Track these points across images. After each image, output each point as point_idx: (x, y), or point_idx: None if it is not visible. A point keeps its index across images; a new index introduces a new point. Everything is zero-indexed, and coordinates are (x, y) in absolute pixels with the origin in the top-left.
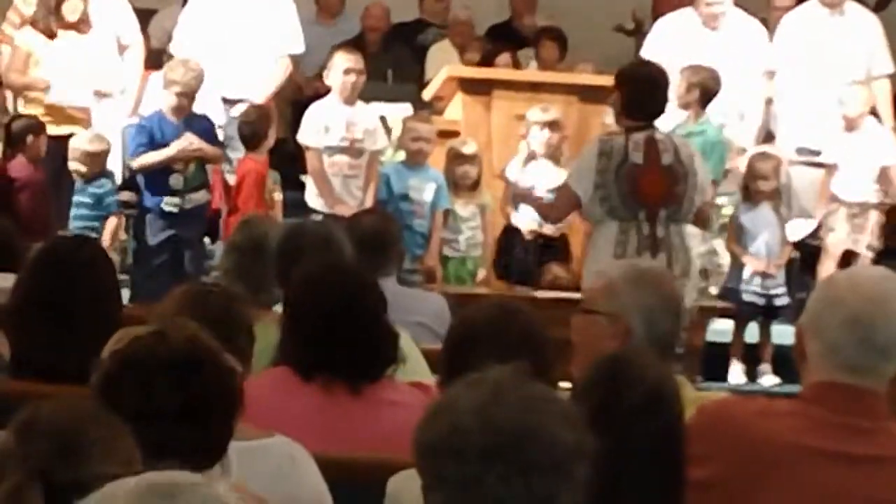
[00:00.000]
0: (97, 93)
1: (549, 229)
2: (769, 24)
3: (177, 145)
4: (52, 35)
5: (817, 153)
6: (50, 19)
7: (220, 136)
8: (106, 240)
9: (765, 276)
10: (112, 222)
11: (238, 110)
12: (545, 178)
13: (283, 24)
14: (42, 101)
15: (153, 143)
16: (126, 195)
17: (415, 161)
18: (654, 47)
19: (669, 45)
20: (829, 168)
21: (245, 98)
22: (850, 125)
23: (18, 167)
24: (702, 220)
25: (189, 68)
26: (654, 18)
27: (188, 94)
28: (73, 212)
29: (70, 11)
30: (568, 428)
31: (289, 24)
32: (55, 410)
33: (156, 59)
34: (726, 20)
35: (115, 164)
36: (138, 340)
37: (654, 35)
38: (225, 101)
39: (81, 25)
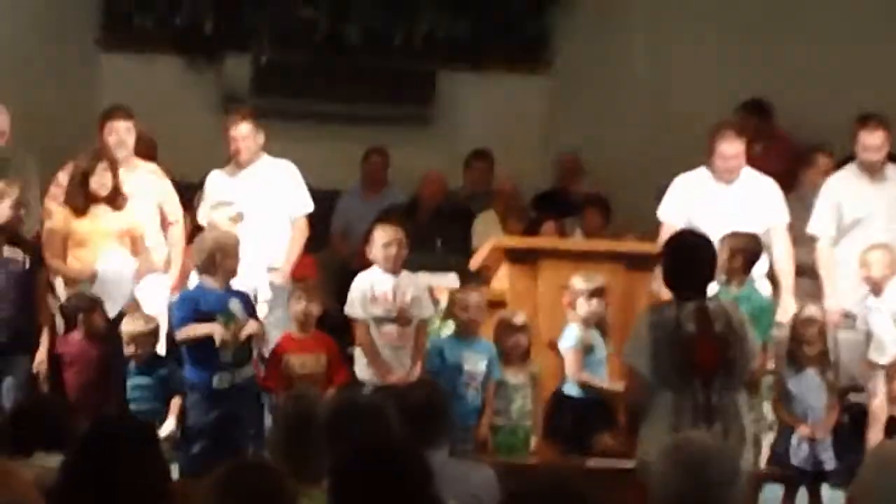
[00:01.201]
0: (139, 273)
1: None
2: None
3: (224, 332)
4: (81, 213)
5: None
6: (77, 197)
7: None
8: (172, 421)
9: (813, 440)
10: (177, 403)
11: (273, 278)
12: (597, 345)
13: (287, 188)
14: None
15: (197, 314)
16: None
17: (467, 332)
18: (670, 206)
19: (685, 202)
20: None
21: (270, 266)
22: (877, 288)
23: (70, 343)
24: (751, 385)
25: (220, 234)
26: None
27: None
28: (132, 394)
29: (98, 185)
30: None
31: (294, 186)
32: None
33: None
34: (741, 178)
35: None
36: None
37: (670, 194)
38: None
39: (116, 199)
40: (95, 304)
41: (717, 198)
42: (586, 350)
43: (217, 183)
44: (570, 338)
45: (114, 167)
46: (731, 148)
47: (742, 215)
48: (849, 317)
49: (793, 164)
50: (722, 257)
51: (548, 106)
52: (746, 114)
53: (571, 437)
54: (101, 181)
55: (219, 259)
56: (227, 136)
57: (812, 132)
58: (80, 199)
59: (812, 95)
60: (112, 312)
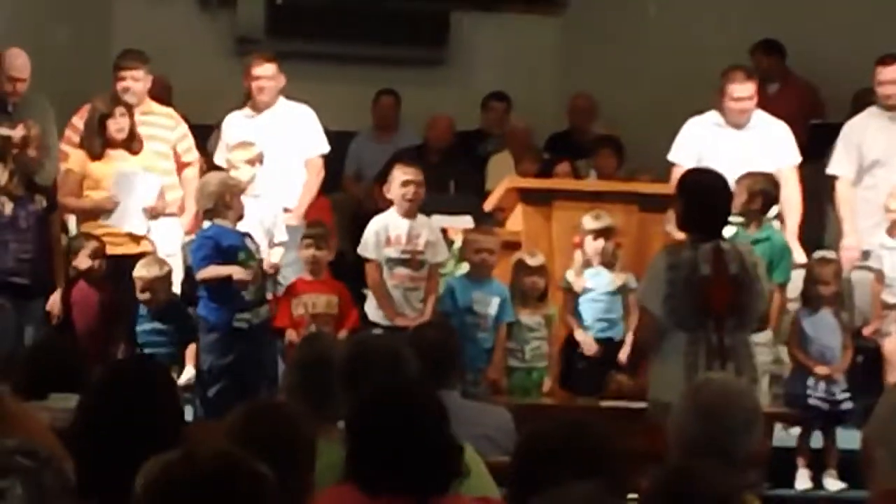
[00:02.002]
0: (153, 213)
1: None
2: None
3: (245, 272)
4: (98, 157)
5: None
6: (95, 141)
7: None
8: (190, 368)
9: (829, 381)
10: (192, 349)
11: (289, 220)
12: (601, 284)
13: (304, 130)
14: (98, 223)
15: (219, 253)
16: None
17: (479, 273)
18: (682, 148)
19: (696, 145)
20: (878, 274)
21: (285, 206)
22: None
23: (76, 286)
24: (761, 322)
25: (223, 175)
26: None
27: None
28: (146, 339)
29: (115, 130)
30: None
31: (310, 127)
32: None
33: None
34: (752, 120)
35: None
36: (168, 467)
37: (681, 137)
38: None
39: (133, 144)
40: (102, 251)
41: (729, 142)
42: (583, 291)
43: (234, 125)
44: (563, 280)
45: (130, 111)
46: (742, 90)
47: (753, 160)
48: (868, 257)
49: (807, 105)
50: (739, 199)
51: (562, 48)
52: (760, 55)
53: (585, 379)
54: (118, 125)
55: (228, 199)
56: (249, 76)
57: (824, 74)
58: (98, 143)
59: (825, 36)
60: (142, 229)
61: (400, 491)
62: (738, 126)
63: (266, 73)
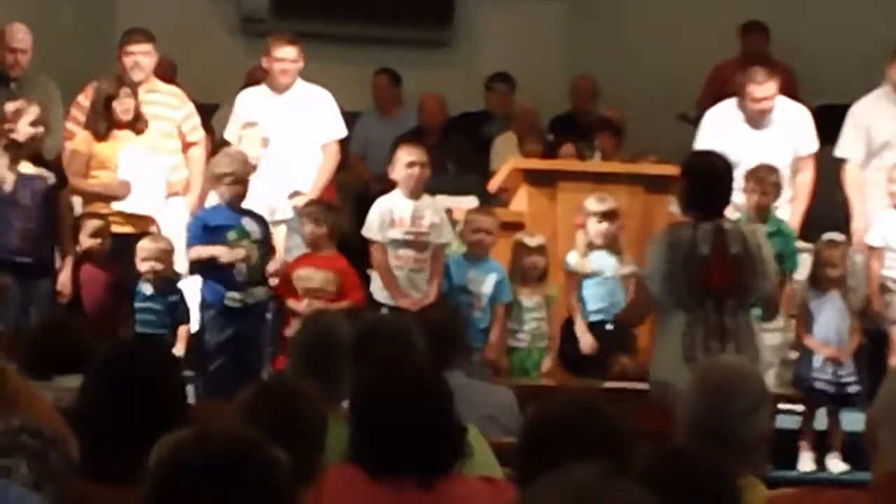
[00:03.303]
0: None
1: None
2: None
3: (228, 253)
4: (103, 138)
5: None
6: (100, 122)
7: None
8: (180, 348)
9: (836, 363)
10: (184, 330)
11: (293, 203)
12: (607, 267)
13: (323, 113)
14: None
15: (207, 229)
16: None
17: (474, 253)
18: (703, 145)
19: (716, 141)
20: (875, 250)
21: (299, 190)
22: None
23: (84, 265)
24: (771, 308)
25: (233, 157)
26: (703, 102)
27: (241, 181)
28: (141, 317)
29: (122, 111)
30: None
31: (328, 111)
32: None
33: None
34: (773, 112)
35: (180, 262)
36: (180, 446)
37: (704, 130)
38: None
39: (137, 124)
40: (107, 230)
41: (749, 138)
42: (588, 275)
43: (249, 103)
44: (566, 263)
45: (135, 92)
46: (763, 90)
47: (773, 153)
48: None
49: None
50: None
51: (567, 29)
52: (752, 36)
53: (587, 360)
54: (124, 106)
55: (239, 174)
56: (270, 57)
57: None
58: (103, 124)
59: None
60: (148, 210)
61: (403, 471)
62: (759, 125)
63: (289, 55)
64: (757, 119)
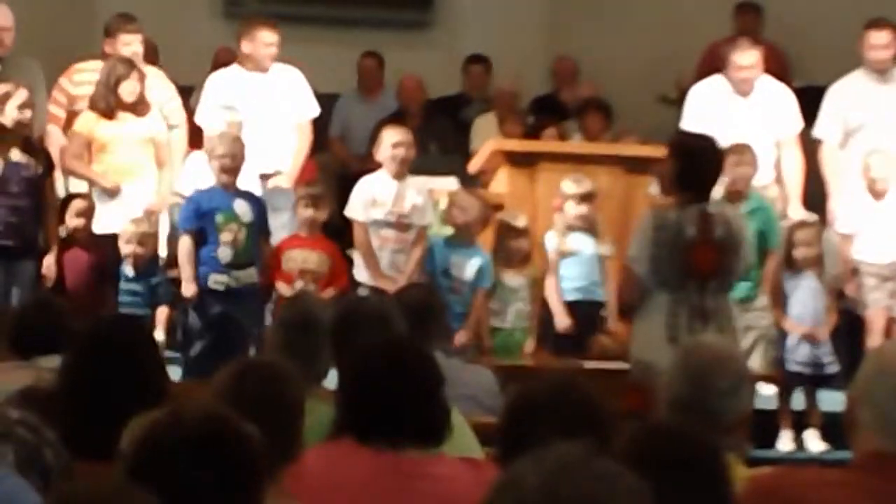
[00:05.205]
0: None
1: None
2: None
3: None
4: (111, 116)
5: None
6: (110, 99)
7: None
8: (159, 330)
9: (813, 343)
10: (164, 312)
11: (273, 183)
12: (586, 247)
13: (296, 93)
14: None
15: (199, 213)
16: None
17: (460, 237)
18: (690, 119)
19: (703, 114)
20: (846, 237)
21: (276, 170)
22: (880, 191)
23: (67, 248)
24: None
25: (226, 138)
26: (697, 81)
27: (236, 163)
28: (123, 298)
29: (128, 93)
30: None
31: (302, 91)
32: (90, 489)
33: (197, 136)
34: (756, 86)
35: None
36: (154, 426)
37: (690, 106)
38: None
39: (139, 107)
40: (92, 212)
41: (734, 110)
42: (566, 255)
43: (221, 85)
44: (545, 244)
45: (143, 77)
46: (745, 58)
47: (758, 128)
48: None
49: (774, 68)
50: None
51: (548, 10)
52: (746, 16)
53: (567, 340)
54: (130, 88)
55: (240, 157)
56: (255, 41)
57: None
58: (109, 104)
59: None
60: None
61: (388, 448)
62: (744, 94)
63: (275, 40)
64: (743, 90)
